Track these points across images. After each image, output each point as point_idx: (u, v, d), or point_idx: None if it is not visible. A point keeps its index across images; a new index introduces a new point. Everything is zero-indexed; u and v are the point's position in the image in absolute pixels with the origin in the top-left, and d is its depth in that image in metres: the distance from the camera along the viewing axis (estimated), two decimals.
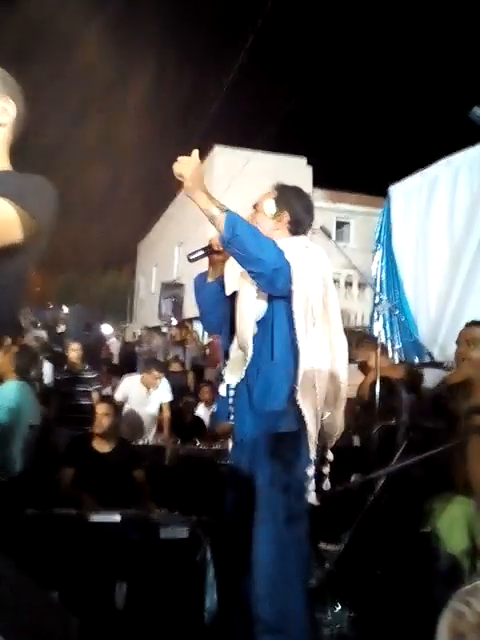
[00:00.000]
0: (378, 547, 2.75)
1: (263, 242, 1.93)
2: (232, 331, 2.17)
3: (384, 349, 3.67)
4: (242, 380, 2.06)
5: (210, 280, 2.23)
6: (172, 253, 20.86)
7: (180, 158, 1.91)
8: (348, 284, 12.46)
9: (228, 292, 2.25)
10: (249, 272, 1.95)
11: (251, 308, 2.04)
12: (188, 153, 1.94)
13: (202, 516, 2.86)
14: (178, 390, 6.26)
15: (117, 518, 2.79)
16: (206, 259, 2.21)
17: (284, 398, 1.96)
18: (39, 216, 1.35)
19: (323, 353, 1.99)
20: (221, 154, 17.55)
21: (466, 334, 2.71)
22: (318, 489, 2.01)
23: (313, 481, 1.99)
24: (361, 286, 12.48)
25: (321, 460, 2.03)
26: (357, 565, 2.81)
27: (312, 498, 1.97)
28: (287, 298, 1.98)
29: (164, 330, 10.86)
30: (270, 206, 2.17)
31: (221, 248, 2.08)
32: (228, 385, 2.10)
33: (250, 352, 2.03)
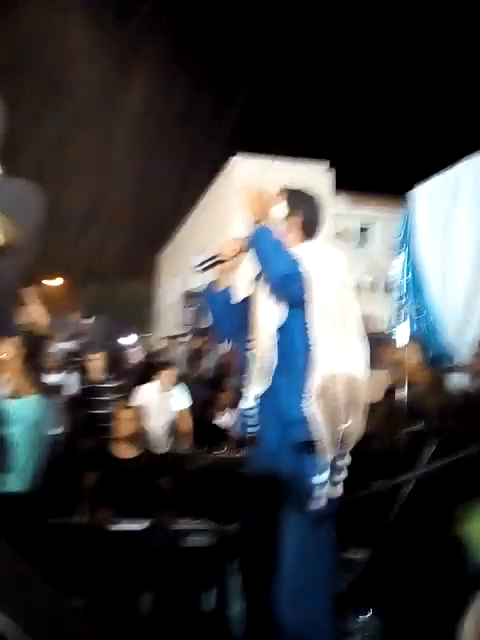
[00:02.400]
0: (407, 553, 2.68)
1: (275, 249, 1.95)
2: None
3: (412, 352, 3.60)
4: (269, 389, 2.04)
5: (220, 289, 2.23)
6: (193, 263, 20.97)
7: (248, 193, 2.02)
8: (373, 288, 12.33)
9: (239, 297, 2.25)
10: (266, 280, 1.98)
11: (268, 315, 2.04)
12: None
13: (226, 524, 2.83)
14: (199, 398, 6.24)
15: (141, 526, 2.78)
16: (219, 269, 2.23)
17: (304, 406, 1.93)
18: (24, 221, 1.35)
19: (339, 358, 1.95)
20: (241, 163, 17.64)
21: None
22: (331, 497, 1.95)
23: (325, 487, 1.93)
24: (386, 290, 12.33)
25: (333, 468, 1.96)
26: (386, 571, 2.74)
27: (322, 503, 1.92)
28: (303, 304, 1.96)
29: (184, 340, 10.88)
30: (282, 210, 2.15)
31: (228, 257, 2.13)
32: (256, 394, 2.08)
33: (269, 360, 2.02)
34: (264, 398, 2.06)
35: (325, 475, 1.92)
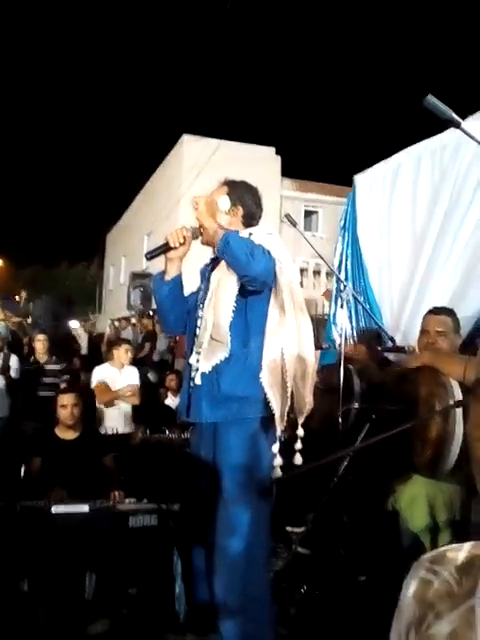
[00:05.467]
0: (342, 528, 2.82)
1: (248, 249, 2.03)
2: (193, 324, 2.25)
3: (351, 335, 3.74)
4: (215, 368, 2.11)
5: (168, 278, 2.26)
6: (141, 243, 20.66)
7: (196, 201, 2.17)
8: (316, 273, 12.58)
9: (186, 288, 2.31)
10: (243, 277, 2.04)
11: (230, 299, 2.11)
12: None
13: (171, 504, 2.89)
14: (148, 379, 6.26)
15: (85, 508, 2.79)
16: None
17: (257, 384, 2.02)
18: None
19: (292, 336, 2.06)
20: (190, 143, 17.43)
21: (433, 321, 2.77)
22: (289, 465, 2.08)
23: (279, 457, 2.06)
24: (329, 275, 12.63)
25: (292, 437, 2.10)
26: (322, 546, 2.88)
27: (277, 473, 2.04)
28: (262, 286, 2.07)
29: (133, 321, 10.77)
30: (225, 202, 2.23)
31: (177, 245, 2.17)
32: (203, 373, 2.13)
33: (221, 339, 2.09)
34: (208, 377, 2.12)
35: (276, 447, 2.04)
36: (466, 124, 1.44)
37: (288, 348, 2.04)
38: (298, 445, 2.11)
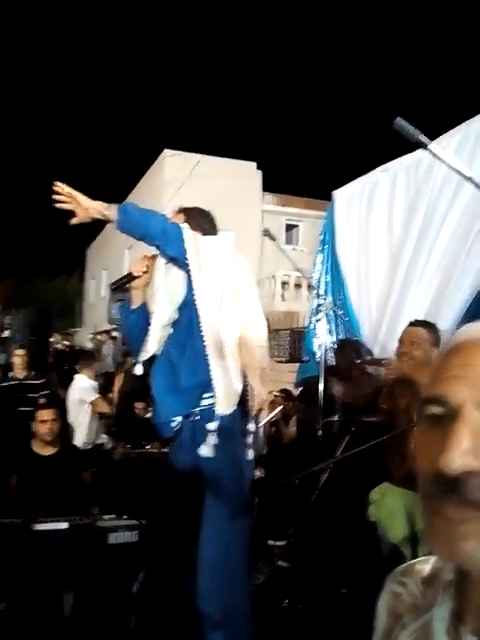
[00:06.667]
0: (324, 540, 2.82)
1: (149, 212, 2.11)
2: None
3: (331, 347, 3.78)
4: (164, 361, 2.19)
5: (134, 307, 2.33)
6: (122, 257, 20.57)
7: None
8: (297, 286, 12.67)
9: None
10: (147, 241, 2.09)
11: (172, 291, 2.18)
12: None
13: (151, 520, 2.86)
14: (130, 393, 6.20)
15: (64, 525, 2.75)
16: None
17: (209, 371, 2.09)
18: None
19: (235, 327, 2.14)
20: (171, 157, 17.49)
21: (410, 333, 2.82)
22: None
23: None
24: (310, 288, 12.67)
25: (242, 432, 2.18)
26: (304, 559, 2.87)
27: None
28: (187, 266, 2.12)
29: (114, 334, 10.71)
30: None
31: (140, 274, 2.25)
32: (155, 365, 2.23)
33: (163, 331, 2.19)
34: (161, 370, 2.19)
35: (213, 425, 2.07)
36: (436, 144, 1.48)
37: (228, 338, 2.11)
38: (250, 439, 2.18)
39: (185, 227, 2.14)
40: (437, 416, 0.53)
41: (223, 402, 2.06)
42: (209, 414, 2.09)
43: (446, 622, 0.58)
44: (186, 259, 2.08)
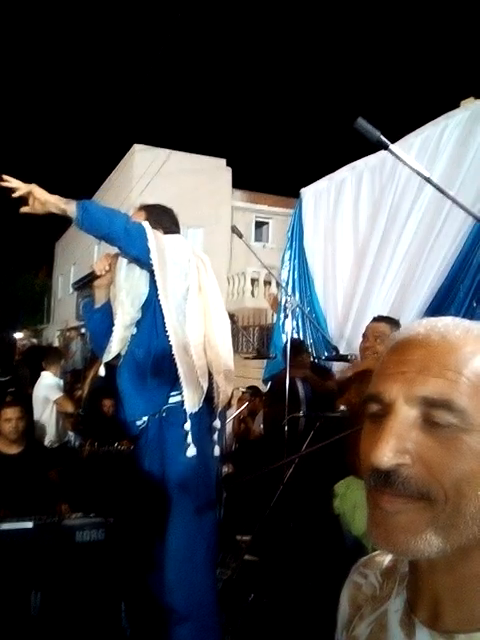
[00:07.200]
0: (289, 533, 2.87)
1: (111, 211, 2.09)
2: None
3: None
4: (129, 360, 2.18)
5: (97, 306, 2.33)
6: (91, 252, 20.31)
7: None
8: (267, 283, 12.72)
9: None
10: (109, 241, 2.06)
11: (133, 290, 2.17)
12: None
13: (118, 518, 2.85)
14: (98, 391, 6.14)
15: (29, 525, 2.72)
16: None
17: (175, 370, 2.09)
18: None
19: (198, 324, 2.15)
20: (141, 152, 17.32)
21: (374, 328, 2.87)
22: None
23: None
24: (279, 285, 12.69)
25: (209, 429, 2.19)
26: (270, 553, 2.91)
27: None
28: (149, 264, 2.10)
29: (83, 331, 10.58)
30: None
31: (103, 273, 2.24)
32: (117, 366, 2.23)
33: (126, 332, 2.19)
34: (127, 368, 2.19)
35: (188, 426, 2.08)
36: (403, 142, 1.52)
37: (193, 335, 2.12)
38: (215, 436, 2.20)
39: (146, 225, 2.13)
40: (376, 414, 0.56)
41: (190, 400, 2.07)
42: (175, 412, 2.10)
43: (400, 613, 0.60)
44: (150, 259, 2.06)
